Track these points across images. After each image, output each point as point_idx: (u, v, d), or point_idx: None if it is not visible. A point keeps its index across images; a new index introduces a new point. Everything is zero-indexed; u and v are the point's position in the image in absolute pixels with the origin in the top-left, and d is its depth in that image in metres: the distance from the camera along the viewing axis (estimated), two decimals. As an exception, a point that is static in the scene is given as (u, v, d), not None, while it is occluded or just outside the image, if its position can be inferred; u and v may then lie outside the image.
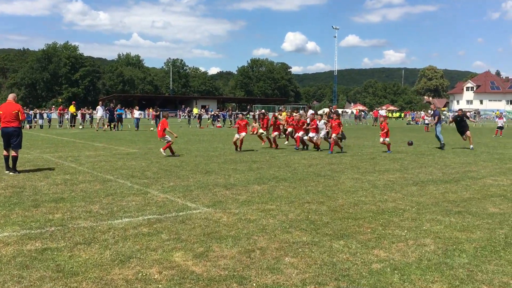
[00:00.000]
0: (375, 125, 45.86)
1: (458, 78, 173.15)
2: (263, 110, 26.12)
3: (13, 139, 10.73)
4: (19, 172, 10.79)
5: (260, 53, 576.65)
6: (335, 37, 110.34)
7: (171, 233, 5.76)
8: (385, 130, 16.85)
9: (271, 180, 9.91)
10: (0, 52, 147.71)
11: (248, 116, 40.88)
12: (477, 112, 47.17)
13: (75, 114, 36.51)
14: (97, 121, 31.10)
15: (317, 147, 16.80)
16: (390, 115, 50.58)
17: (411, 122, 54.51)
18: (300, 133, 17.14)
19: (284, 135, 20.07)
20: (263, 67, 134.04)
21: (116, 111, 33.15)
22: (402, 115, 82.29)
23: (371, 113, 77.07)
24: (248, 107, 76.52)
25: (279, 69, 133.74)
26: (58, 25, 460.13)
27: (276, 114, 25.01)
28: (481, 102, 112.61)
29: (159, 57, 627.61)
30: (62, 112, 37.29)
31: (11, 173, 10.57)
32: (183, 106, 74.67)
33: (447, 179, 10.33)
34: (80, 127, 35.29)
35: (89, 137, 23.98)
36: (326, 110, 25.48)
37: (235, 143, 16.43)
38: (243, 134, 16.30)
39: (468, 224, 6.41)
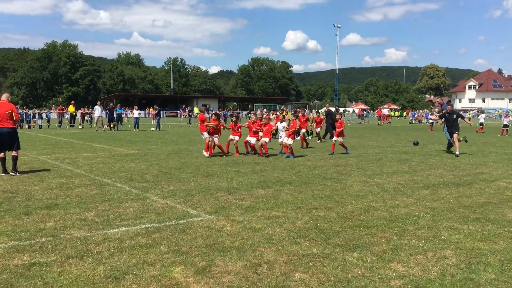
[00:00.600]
0: (380, 124, 45.45)
1: (460, 76, 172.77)
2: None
3: (10, 142, 10.39)
4: (20, 172, 10.42)
5: (261, 52, 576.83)
6: (336, 35, 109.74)
7: (170, 244, 5.34)
8: (340, 129, 15.49)
9: (275, 184, 9.49)
10: (0, 51, 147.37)
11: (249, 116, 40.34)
12: (481, 111, 46.58)
13: (74, 114, 36.11)
14: (95, 121, 30.66)
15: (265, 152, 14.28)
16: (392, 113, 50.03)
17: (413, 121, 54.01)
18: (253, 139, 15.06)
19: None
20: (264, 65, 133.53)
21: (116, 110, 32.75)
22: (404, 113, 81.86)
23: (373, 112, 76.72)
24: (250, 106, 76.01)
25: (280, 68, 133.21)
26: (58, 24, 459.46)
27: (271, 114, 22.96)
28: (483, 100, 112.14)
29: (159, 56, 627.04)
30: (61, 112, 36.88)
31: (11, 174, 10.22)
32: (184, 106, 74.20)
33: (459, 182, 9.91)
34: (80, 127, 34.89)
35: (88, 137, 23.57)
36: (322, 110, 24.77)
37: (253, 147, 14.90)
38: (267, 139, 14.44)
39: (489, 232, 5.98)
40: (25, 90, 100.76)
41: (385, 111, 48.27)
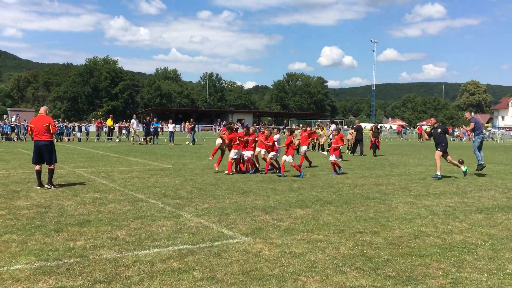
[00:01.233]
0: (421, 141, 44.02)
1: (502, 93, 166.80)
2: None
3: (47, 154, 10.34)
4: (55, 186, 10.34)
5: (296, 67, 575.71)
6: (373, 50, 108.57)
7: (204, 269, 4.93)
8: (336, 146, 14.04)
9: (314, 203, 8.97)
10: (45, 66, 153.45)
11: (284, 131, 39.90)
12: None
13: (112, 127, 36.65)
14: (132, 134, 30.97)
15: (273, 168, 14.00)
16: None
17: (454, 138, 52.14)
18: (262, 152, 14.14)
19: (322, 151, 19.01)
20: (299, 81, 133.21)
21: (152, 124, 33.01)
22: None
23: (412, 128, 74.72)
24: (285, 121, 75.59)
25: (315, 83, 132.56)
26: (100, 40, 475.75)
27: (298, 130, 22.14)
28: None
29: (196, 72, 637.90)
30: (99, 125, 37.53)
31: (46, 186, 10.16)
32: (219, 120, 74.56)
33: (515, 206, 9.11)
34: (117, 140, 35.36)
35: (124, 150, 23.70)
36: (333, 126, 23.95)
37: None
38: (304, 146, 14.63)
39: (561, 267, 5.29)
40: (67, 104, 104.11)
41: (425, 127, 46.68)
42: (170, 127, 32.64)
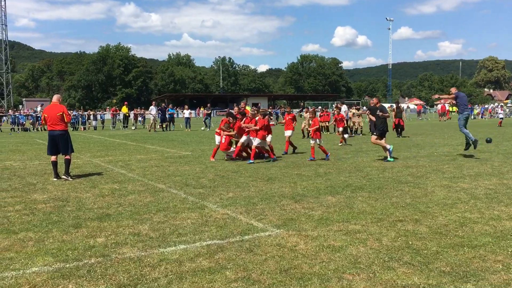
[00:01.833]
0: (443, 120, 42.87)
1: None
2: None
3: (62, 145, 9.96)
4: (73, 177, 9.99)
5: (310, 49, 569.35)
6: (389, 29, 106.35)
7: (237, 268, 4.48)
8: (314, 127, 12.78)
9: (345, 189, 8.45)
10: (58, 55, 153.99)
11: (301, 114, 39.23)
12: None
13: (127, 114, 36.40)
14: (151, 122, 30.61)
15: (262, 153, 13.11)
16: (451, 109, 47.17)
17: (476, 116, 50.83)
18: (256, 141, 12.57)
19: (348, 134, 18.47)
20: (313, 63, 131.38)
21: (168, 111, 32.63)
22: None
23: (434, 107, 73.23)
24: (301, 104, 74.72)
25: (329, 65, 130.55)
26: (112, 28, 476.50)
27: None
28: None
29: (208, 56, 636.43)
30: (114, 113, 37.32)
31: (63, 177, 9.82)
32: (234, 104, 74.00)
33: (561, 187, 8.47)
34: (133, 127, 35.12)
35: (141, 138, 23.38)
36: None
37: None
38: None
39: None
40: (82, 93, 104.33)
41: (447, 105, 45.31)
42: (186, 113, 32.22)
